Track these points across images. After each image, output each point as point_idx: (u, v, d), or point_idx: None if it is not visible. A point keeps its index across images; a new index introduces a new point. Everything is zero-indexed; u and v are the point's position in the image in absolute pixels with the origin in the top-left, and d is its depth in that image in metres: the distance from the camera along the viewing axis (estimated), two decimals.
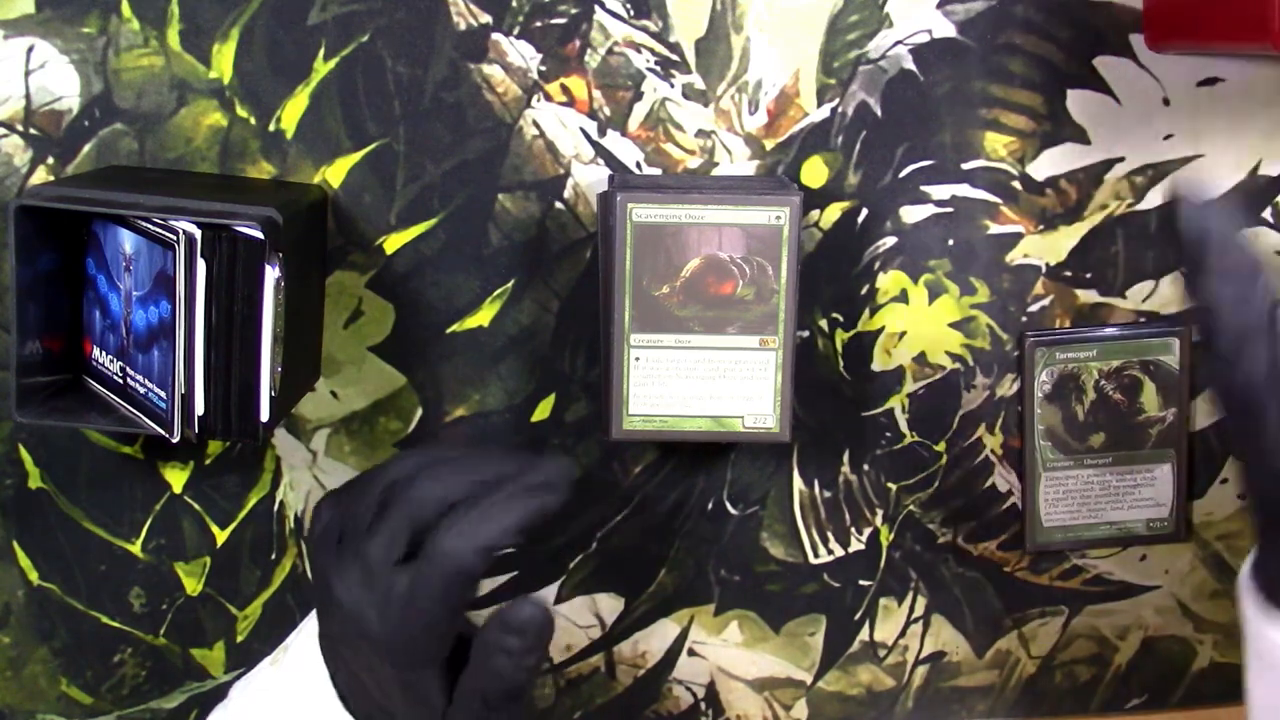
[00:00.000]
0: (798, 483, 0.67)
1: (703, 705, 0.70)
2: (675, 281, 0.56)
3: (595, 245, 0.63)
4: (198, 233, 0.53)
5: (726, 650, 0.70)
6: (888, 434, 0.67)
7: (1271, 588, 0.49)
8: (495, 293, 0.64)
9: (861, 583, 0.69)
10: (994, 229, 0.65)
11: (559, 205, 0.63)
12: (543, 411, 0.65)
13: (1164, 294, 0.66)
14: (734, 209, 0.56)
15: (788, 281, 0.56)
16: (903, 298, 0.66)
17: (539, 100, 0.62)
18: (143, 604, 0.66)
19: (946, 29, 0.63)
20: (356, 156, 0.62)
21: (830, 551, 0.69)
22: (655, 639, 0.69)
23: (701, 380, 0.57)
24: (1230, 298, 0.45)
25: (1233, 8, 0.56)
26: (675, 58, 0.62)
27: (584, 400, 0.65)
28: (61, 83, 0.60)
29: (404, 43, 0.61)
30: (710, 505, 0.67)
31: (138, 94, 0.61)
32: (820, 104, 0.63)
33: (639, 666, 0.70)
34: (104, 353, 0.58)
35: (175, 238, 0.53)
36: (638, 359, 0.57)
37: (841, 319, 0.66)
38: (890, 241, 0.65)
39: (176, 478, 0.65)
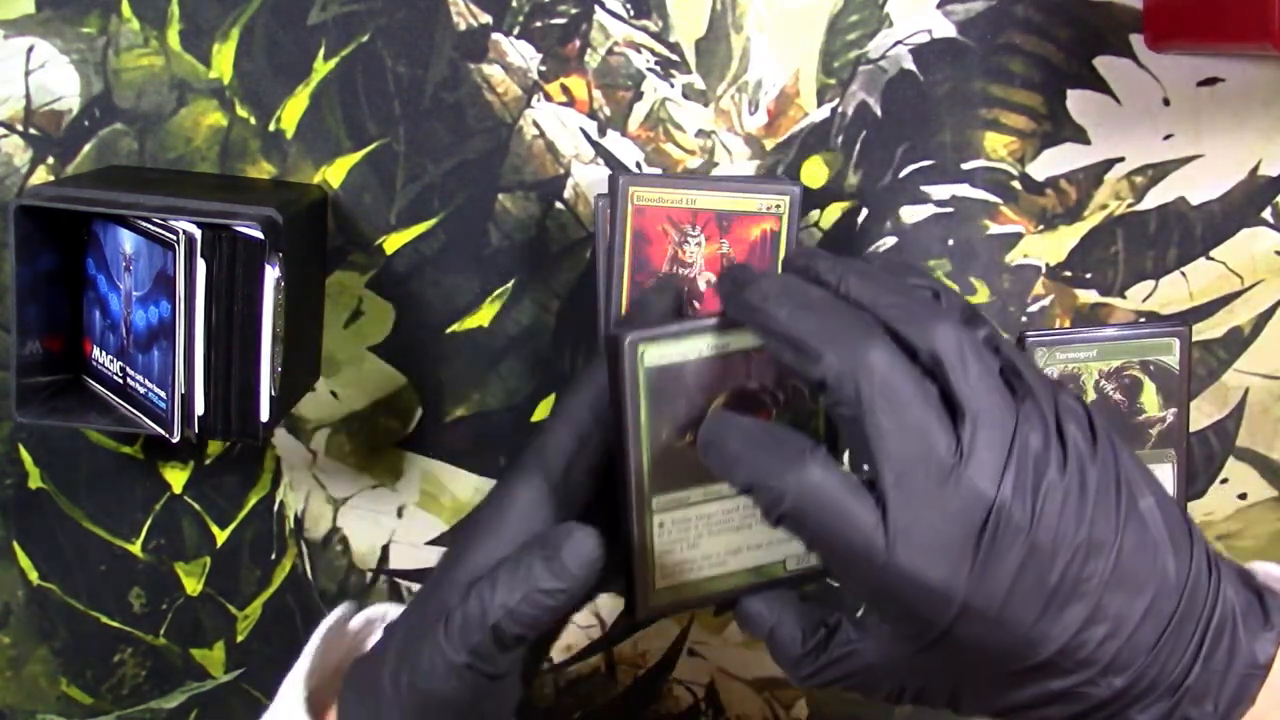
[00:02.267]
0: None
1: (703, 705, 0.70)
2: (700, 427, 0.46)
3: (594, 246, 0.63)
4: (198, 233, 0.53)
5: (726, 650, 0.70)
6: None
7: None
8: (495, 293, 0.64)
9: None
10: (994, 229, 0.65)
11: (559, 205, 0.63)
12: (543, 411, 0.65)
13: (1164, 294, 0.66)
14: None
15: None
16: None
17: (539, 100, 0.62)
18: (143, 604, 0.66)
19: (946, 29, 0.63)
20: (356, 156, 0.62)
21: None
22: (655, 639, 0.69)
23: (736, 531, 0.49)
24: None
25: (1233, 8, 0.56)
26: (675, 58, 0.62)
27: None
28: (61, 83, 0.60)
29: (404, 43, 0.61)
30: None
31: (138, 94, 0.61)
32: (820, 104, 0.63)
33: (639, 666, 0.70)
34: (104, 353, 0.58)
35: (175, 238, 0.53)
36: (662, 525, 0.48)
37: None
38: (890, 241, 0.65)
39: (176, 478, 0.65)
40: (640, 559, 0.48)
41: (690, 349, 0.46)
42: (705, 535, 0.49)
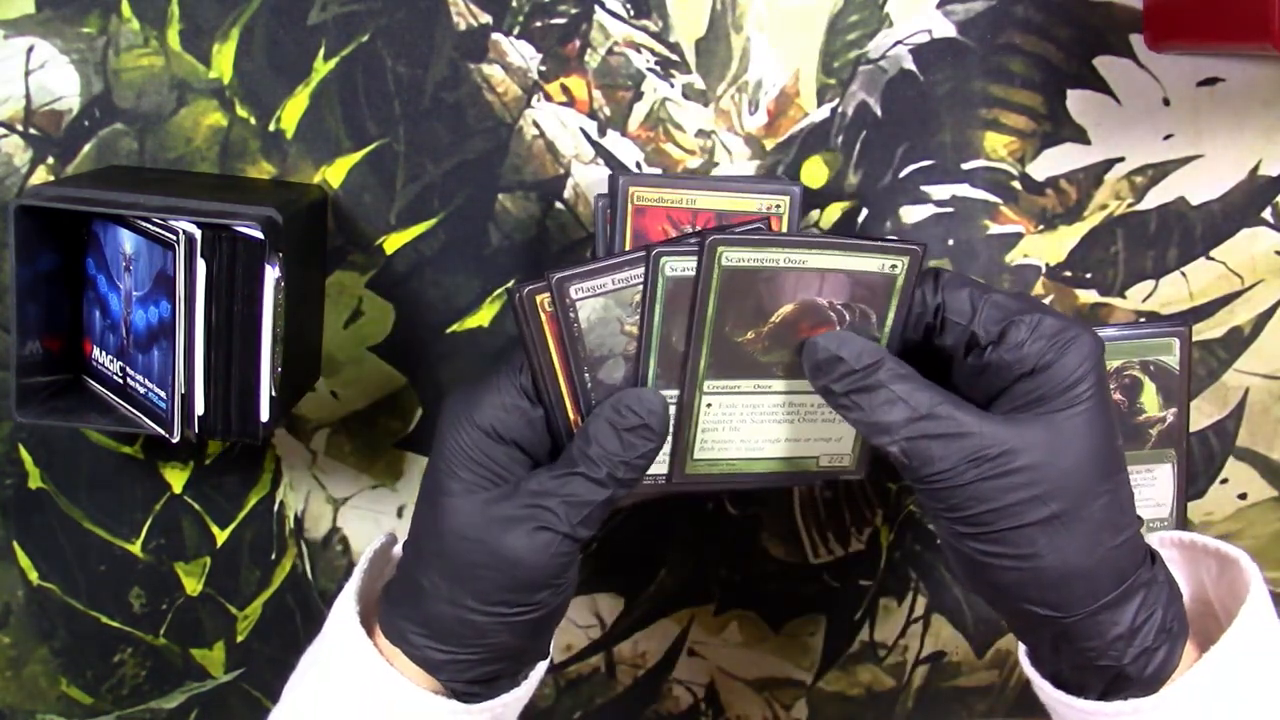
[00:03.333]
0: None
1: (703, 705, 0.70)
2: (762, 327, 0.50)
3: (594, 246, 0.63)
4: (198, 233, 0.53)
5: (726, 650, 0.70)
6: None
7: (1057, 678, 0.51)
8: (495, 293, 0.64)
9: (861, 583, 0.69)
10: (994, 229, 0.65)
11: (559, 205, 0.63)
12: None
13: (1164, 294, 0.66)
14: (845, 255, 0.50)
15: (892, 330, 0.51)
16: None
17: (539, 100, 0.62)
18: (143, 604, 0.66)
19: (946, 29, 0.63)
20: (356, 156, 0.62)
21: (830, 551, 0.69)
22: (655, 639, 0.69)
23: (779, 424, 0.53)
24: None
25: (1233, 8, 0.56)
26: (675, 58, 0.62)
27: None
28: (61, 83, 0.60)
29: (404, 43, 0.61)
30: (710, 505, 0.68)
31: (138, 94, 0.61)
32: (820, 104, 0.63)
33: (639, 666, 0.70)
34: (104, 353, 0.58)
35: (175, 238, 0.53)
36: (709, 405, 0.52)
37: None
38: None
39: (176, 478, 0.65)
40: (684, 429, 0.52)
41: (768, 257, 0.49)
42: (748, 421, 0.52)
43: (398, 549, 0.57)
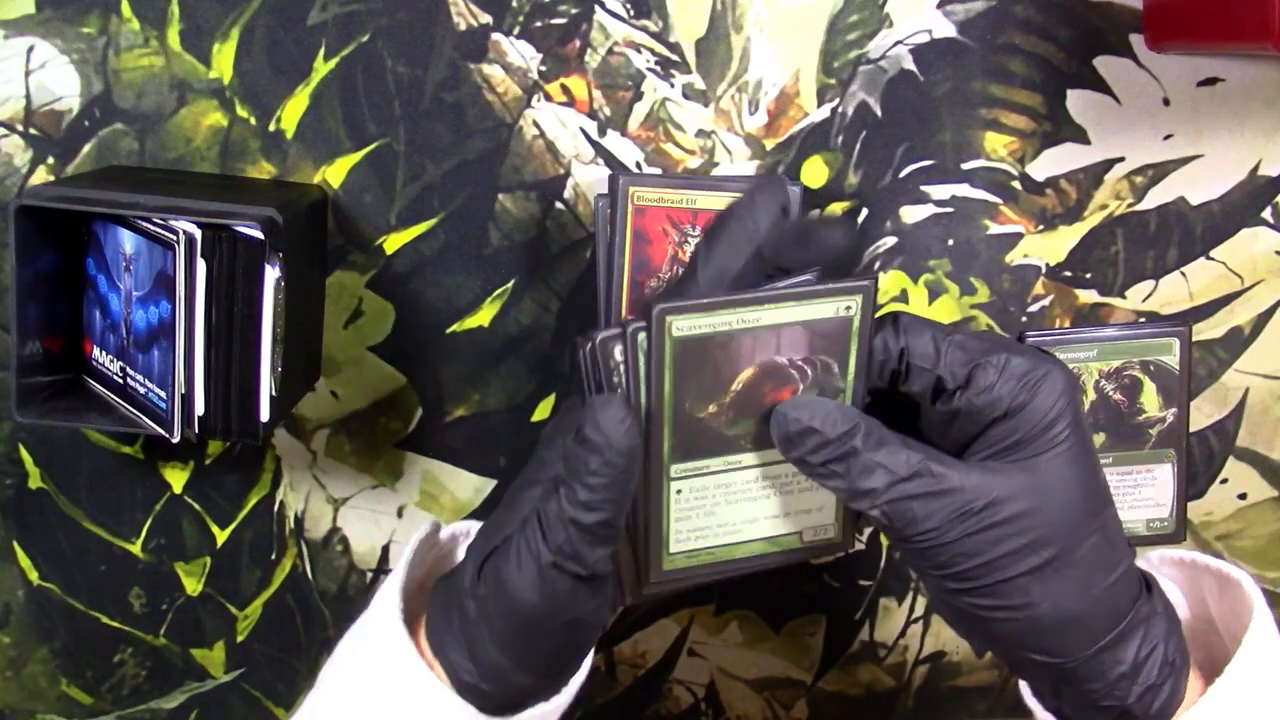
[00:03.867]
0: None
1: (703, 705, 0.70)
2: (725, 398, 0.47)
3: (594, 246, 0.63)
4: (198, 233, 0.53)
5: (726, 650, 0.70)
6: None
7: (1060, 713, 0.50)
8: (495, 293, 0.64)
9: (861, 583, 0.69)
10: (994, 229, 0.65)
11: (559, 205, 0.63)
12: (543, 412, 0.65)
13: (1164, 294, 0.66)
14: (796, 305, 0.47)
15: (855, 375, 0.48)
16: (903, 298, 0.66)
17: (539, 100, 0.62)
18: (143, 604, 0.66)
19: (946, 29, 0.63)
20: (356, 156, 0.62)
21: None
22: (655, 639, 0.69)
23: (754, 501, 0.49)
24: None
25: (1233, 8, 0.56)
26: (675, 58, 0.62)
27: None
28: (61, 83, 0.60)
29: (404, 43, 0.61)
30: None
31: (138, 94, 0.61)
32: (820, 104, 0.63)
33: (639, 666, 0.70)
34: (104, 353, 0.58)
35: (175, 238, 0.53)
36: (679, 491, 0.48)
37: None
38: (890, 241, 0.65)
39: (176, 478, 0.65)
40: (655, 524, 0.48)
41: (720, 321, 0.46)
42: (723, 503, 0.49)
43: (445, 533, 0.56)
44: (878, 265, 0.65)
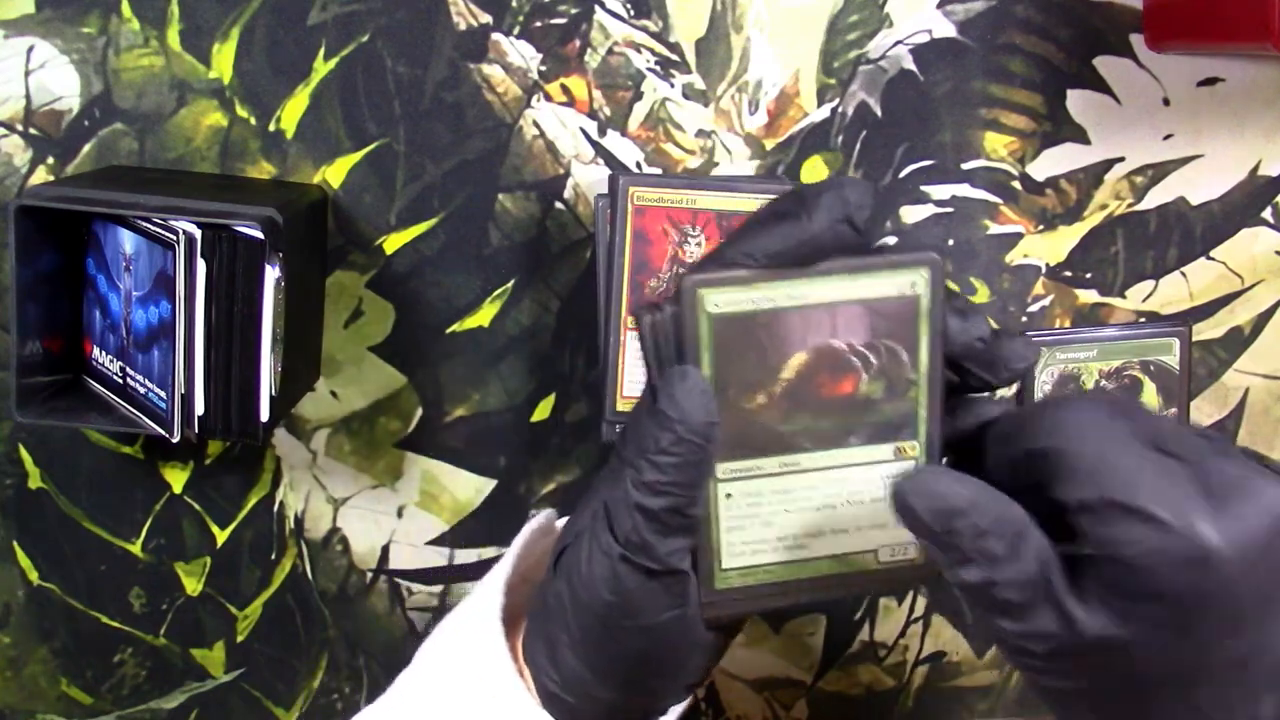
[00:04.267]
0: None
1: (703, 705, 0.70)
2: (774, 388, 0.42)
3: (594, 246, 0.63)
4: (198, 233, 0.53)
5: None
6: None
7: None
8: (495, 293, 0.64)
9: None
10: (994, 229, 0.65)
11: (559, 205, 0.63)
12: (543, 411, 0.65)
13: (1164, 294, 0.66)
14: (852, 279, 0.41)
15: (929, 366, 0.42)
16: None
17: (539, 100, 0.62)
18: (143, 604, 0.66)
19: (946, 29, 0.63)
20: (356, 156, 0.62)
21: None
22: None
23: (818, 511, 0.43)
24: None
25: (1233, 8, 0.56)
26: (675, 58, 0.62)
27: (584, 401, 0.65)
28: (61, 83, 0.60)
29: (404, 43, 0.61)
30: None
31: (138, 94, 0.61)
32: (820, 104, 0.63)
33: None
34: (104, 353, 0.58)
35: (175, 238, 0.53)
36: (729, 495, 0.43)
37: None
38: (890, 241, 0.65)
39: (176, 478, 0.65)
40: (704, 536, 0.43)
41: (762, 298, 0.41)
42: (781, 513, 0.43)
43: (560, 522, 0.53)
44: None
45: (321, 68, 0.61)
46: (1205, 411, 0.68)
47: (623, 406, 0.50)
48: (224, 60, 0.61)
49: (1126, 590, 0.37)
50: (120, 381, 0.58)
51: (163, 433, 0.55)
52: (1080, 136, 0.64)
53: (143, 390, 0.56)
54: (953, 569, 0.39)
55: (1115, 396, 0.42)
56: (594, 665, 0.43)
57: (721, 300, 0.41)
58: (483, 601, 0.48)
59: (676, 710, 0.47)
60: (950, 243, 0.65)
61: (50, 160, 0.61)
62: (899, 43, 0.63)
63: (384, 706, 0.49)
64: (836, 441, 0.43)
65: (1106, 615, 0.37)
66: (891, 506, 0.40)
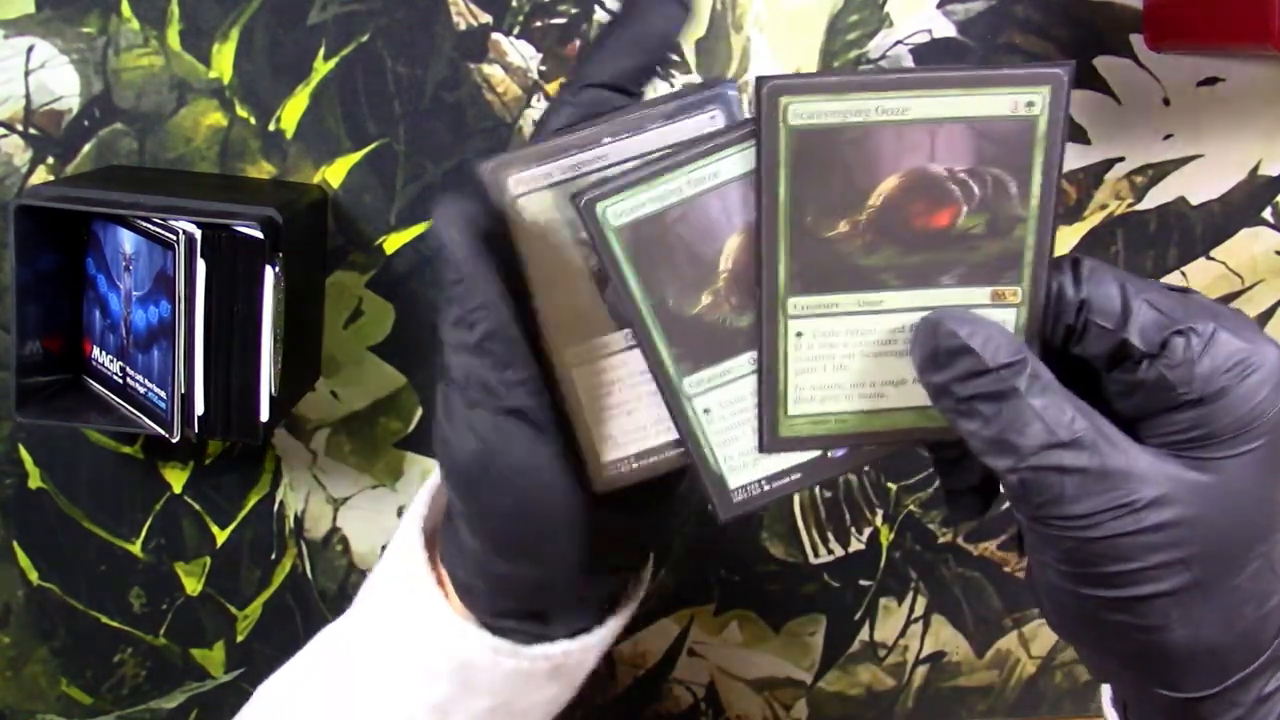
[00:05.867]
0: None
1: (703, 705, 0.70)
2: (859, 215, 0.37)
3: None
4: (198, 233, 0.53)
5: (726, 650, 0.70)
6: None
7: None
8: None
9: (861, 583, 0.69)
10: None
11: None
12: None
13: None
14: (958, 94, 0.36)
15: (1040, 201, 0.38)
16: None
17: (539, 100, 0.62)
18: (143, 604, 0.66)
19: (946, 29, 0.63)
20: (356, 156, 0.62)
21: (830, 551, 0.69)
22: (655, 639, 0.69)
23: (900, 358, 0.39)
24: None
25: (1233, 8, 0.56)
26: (675, 58, 0.62)
27: None
28: (61, 83, 0.60)
29: (404, 43, 0.61)
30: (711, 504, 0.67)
31: (138, 94, 0.61)
32: None
33: (639, 666, 0.70)
34: (104, 353, 0.58)
35: (175, 238, 0.53)
36: (799, 334, 0.38)
37: None
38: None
39: (176, 478, 0.65)
40: (770, 372, 0.39)
41: (852, 109, 0.36)
42: (858, 356, 0.39)
43: None
44: None
45: (321, 68, 0.61)
46: None
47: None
48: (224, 60, 0.61)
49: (1229, 427, 0.37)
50: (120, 381, 0.58)
51: (163, 433, 0.55)
52: (1080, 136, 0.64)
53: (143, 390, 0.56)
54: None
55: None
56: (475, 529, 0.42)
57: (806, 111, 0.36)
58: (409, 514, 0.47)
59: (602, 630, 0.46)
60: None
61: (50, 160, 0.61)
62: (899, 43, 0.63)
63: (334, 627, 0.49)
64: (927, 280, 0.38)
65: (1186, 464, 0.37)
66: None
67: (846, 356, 0.39)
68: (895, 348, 0.39)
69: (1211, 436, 0.37)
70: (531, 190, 0.38)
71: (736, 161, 0.37)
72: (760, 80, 0.36)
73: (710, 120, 0.38)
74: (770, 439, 0.40)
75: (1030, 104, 0.37)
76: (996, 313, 0.39)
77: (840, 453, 0.41)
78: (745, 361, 0.39)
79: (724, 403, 0.40)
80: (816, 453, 0.40)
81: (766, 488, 0.41)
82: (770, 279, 0.38)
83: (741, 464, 0.40)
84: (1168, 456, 0.38)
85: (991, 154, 0.37)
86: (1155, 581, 0.37)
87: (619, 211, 0.38)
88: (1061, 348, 0.39)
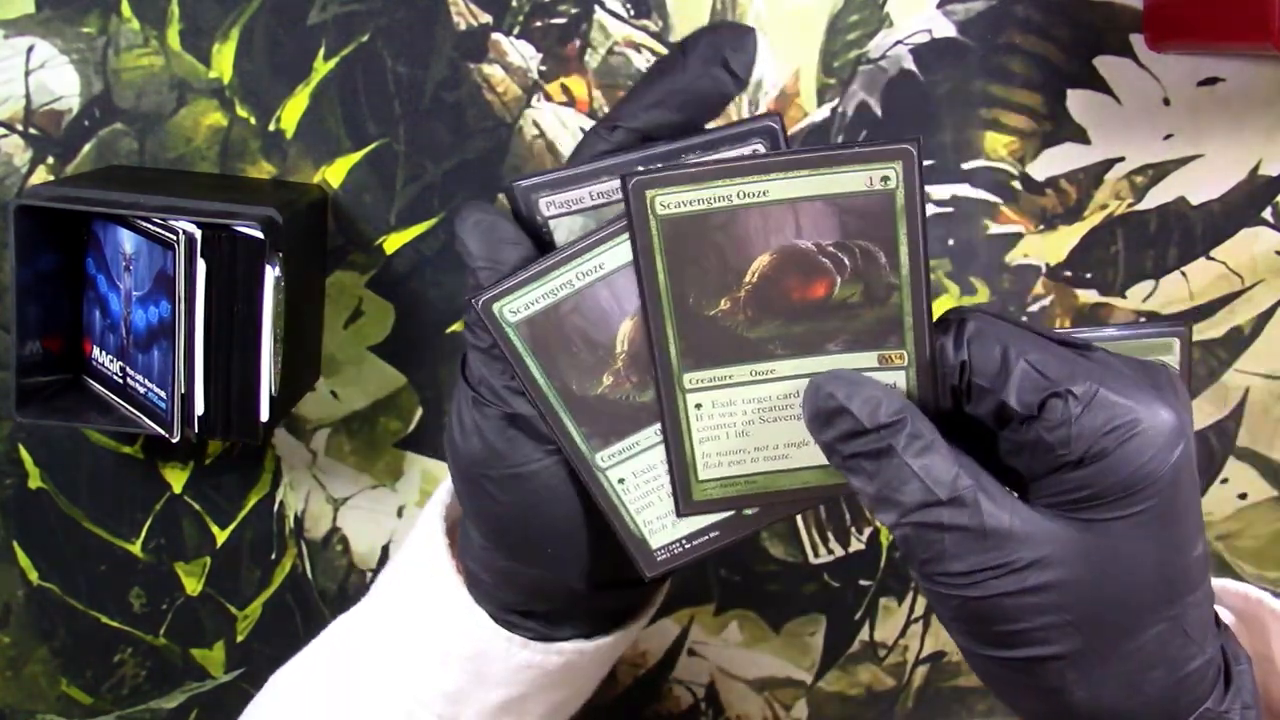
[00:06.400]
0: None
1: (703, 705, 0.70)
2: (738, 292, 0.39)
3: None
4: (198, 233, 0.53)
5: (726, 650, 0.70)
6: None
7: None
8: None
9: (861, 583, 0.69)
10: (994, 229, 0.65)
11: None
12: None
13: (1164, 294, 0.66)
14: (812, 175, 0.37)
15: (910, 268, 0.38)
16: None
17: (539, 100, 0.62)
18: (143, 604, 0.66)
19: (946, 29, 0.63)
20: (356, 156, 0.62)
21: (830, 551, 0.69)
22: (655, 639, 0.69)
23: (797, 420, 0.40)
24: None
25: (1233, 8, 0.56)
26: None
27: None
28: (61, 83, 0.60)
29: (404, 43, 0.61)
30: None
31: (138, 94, 0.61)
32: (820, 104, 0.63)
33: (639, 666, 0.70)
34: (104, 353, 0.58)
35: (175, 238, 0.53)
36: (698, 406, 0.40)
37: None
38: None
39: (176, 478, 0.65)
40: (676, 444, 0.41)
41: (714, 196, 0.38)
42: (758, 422, 0.41)
43: None
44: None
45: (321, 68, 0.61)
46: (1205, 411, 0.68)
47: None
48: (224, 60, 0.61)
49: (1113, 488, 0.36)
50: (120, 381, 0.58)
51: (163, 433, 0.55)
52: (1080, 136, 0.64)
53: (143, 390, 0.56)
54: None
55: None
56: (481, 527, 0.43)
57: (672, 201, 0.38)
58: (431, 504, 0.49)
59: (619, 635, 0.47)
60: (950, 242, 0.65)
61: (50, 160, 0.61)
62: (899, 42, 0.63)
63: (350, 615, 0.50)
64: (813, 348, 0.40)
65: (1077, 526, 0.37)
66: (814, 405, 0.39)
67: (747, 423, 0.41)
68: (792, 412, 0.41)
69: (1098, 498, 0.37)
70: (562, 214, 0.40)
71: (618, 253, 0.40)
72: (624, 178, 0.38)
73: (884, 182, 0.38)
74: (685, 504, 0.42)
75: (885, 179, 0.38)
76: (886, 375, 0.40)
77: (755, 510, 0.43)
78: (651, 434, 0.42)
79: (637, 472, 0.42)
80: (731, 512, 0.43)
81: (688, 545, 0.43)
82: (663, 359, 0.40)
83: (661, 526, 0.43)
84: (1057, 517, 0.37)
85: (856, 227, 0.38)
86: (1045, 644, 0.37)
87: (515, 309, 0.40)
88: (958, 407, 0.39)
